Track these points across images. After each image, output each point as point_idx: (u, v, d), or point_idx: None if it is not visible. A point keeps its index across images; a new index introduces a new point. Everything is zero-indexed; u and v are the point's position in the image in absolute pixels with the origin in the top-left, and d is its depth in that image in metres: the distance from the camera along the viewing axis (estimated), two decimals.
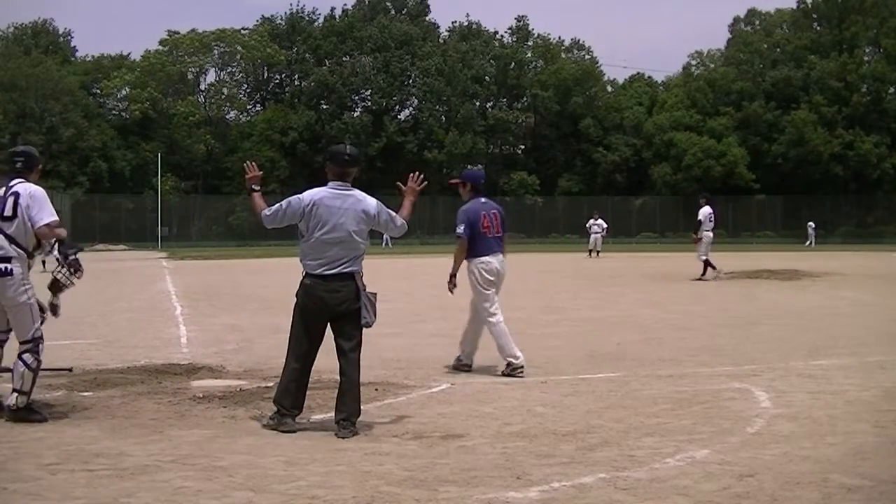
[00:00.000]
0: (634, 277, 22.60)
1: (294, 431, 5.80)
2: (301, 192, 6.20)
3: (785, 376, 7.78)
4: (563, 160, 71.04)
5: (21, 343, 6.15)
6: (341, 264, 6.00)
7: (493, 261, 8.24)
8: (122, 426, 5.98)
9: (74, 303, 8.32)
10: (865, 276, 22.48)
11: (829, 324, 12.09)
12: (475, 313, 8.38)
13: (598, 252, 36.41)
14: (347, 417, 5.83)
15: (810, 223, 55.99)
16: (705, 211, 21.33)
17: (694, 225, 21.77)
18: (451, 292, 8.24)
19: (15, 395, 6.06)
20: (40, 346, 6.20)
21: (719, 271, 20.86)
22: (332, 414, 5.99)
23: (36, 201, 6.18)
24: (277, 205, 6.14)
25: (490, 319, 8.18)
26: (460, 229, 8.22)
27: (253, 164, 6.61)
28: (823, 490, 4.46)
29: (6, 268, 6.09)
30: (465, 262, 8.28)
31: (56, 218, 6.27)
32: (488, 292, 8.20)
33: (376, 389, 7.26)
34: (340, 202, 6.05)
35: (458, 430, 5.87)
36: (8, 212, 6.13)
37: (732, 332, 11.13)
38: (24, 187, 6.22)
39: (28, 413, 6.08)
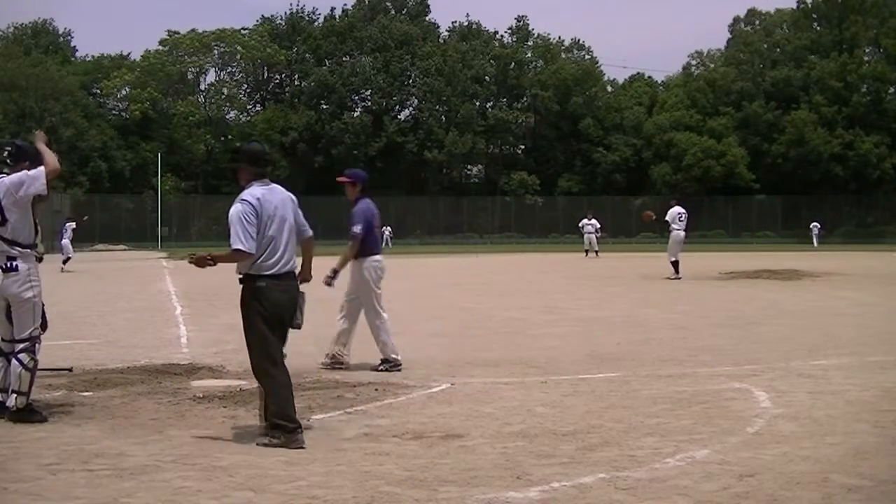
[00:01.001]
0: (634, 277, 22.59)
1: (304, 446, 5.44)
2: (277, 196, 5.97)
3: (785, 376, 7.77)
4: (563, 160, 71.06)
5: (18, 342, 6.14)
6: (290, 261, 5.86)
7: (382, 259, 8.55)
8: (122, 426, 5.97)
9: (74, 303, 8.32)
10: (866, 276, 22.47)
11: (829, 324, 12.08)
12: (352, 311, 8.47)
13: (596, 252, 36.25)
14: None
15: (815, 224, 55.87)
16: (673, 212, 21.51)
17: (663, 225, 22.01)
18: (331, 285, 8.25)
19: (14, 395, 6.05)
20: (37, 346, 6.19)
21: (676, 277, 20.74)
22: (331, 414, 5.97)
23: (15, 186, 6.05)
24: (243, 233, 5.61)
25: (382, 317, 8.37)
26: (357, 228, 8.35)
27: (193, 256, 6.04)
28: (823, 490, 4.46)
29: (12, 264, 6.10)
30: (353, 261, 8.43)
31: (42, 168, 6.10)
32: (380, 291, 8.44)
33: (376, 389, 7.26)
34: (274, 197, 5.89)
35: (458, 430, 5.87)
36: None
37: (732, 332, 11.12)
38: (7, 181, 6.12)
39: (28, 413, 6.07)
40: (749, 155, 65.33)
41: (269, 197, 5.82)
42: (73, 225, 28.51)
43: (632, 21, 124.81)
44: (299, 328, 5.92)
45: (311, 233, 6.23)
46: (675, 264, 20.91)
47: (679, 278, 20.62)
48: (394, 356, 8.32)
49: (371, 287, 8.39)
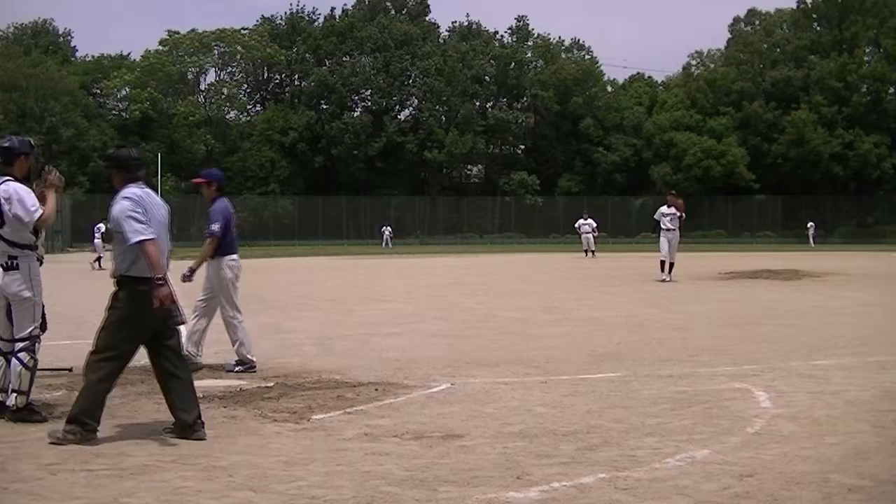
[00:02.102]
0: (634, 277, 22.59)
1: (96, 444, 5.44)
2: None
3: (785, 376, 7.77)
4: (563, 160, 71.06)
5: (17, 341, 6.14)
6: (166, 263, 5.82)
7: (239, 258, 8.62)
8: (122, 426, 5.98)
9: (75, 303, 8.32)
10: (866, 276, 22.47)
11: (829, 324, 12.08)
12: (208, 310, 8.48)
13: (592, 252, 36.17)
14: (199, 416, 5.73)
15: (811, 223, 56.07)
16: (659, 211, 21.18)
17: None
18: (188, 281, 8.26)
19: (14, 395, 6.05)
20: (36, 345, 6.19)
21: (666, 278, 20.39)
22: (331, 414, 5.97)
23: (16, 203, 6.03)
24: (137, 224, 5.61)
25: (239, 317, 8.41)
26: (215, 227, 8.39)
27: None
28: (823, 490, 4.46)
29: (12, 262, 6.11)
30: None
31: (40, 211, 6.09)
32: (237, 290, 8.51)
33: (376, 389, 7.26)
34: (152, 199, 5.88)
35: (458, 430, 5.86)
36: None
37: (732, 332, 11.12)
38: (3, 189, 6.10)
39: (28, 413, 6.07)
40: (749, 155, 65.32)
41: (147, 198, 5.83)
42: (103, 227, 29.53)
43: (632, 21, 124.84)
44: (183, 324, 5.97)
45: (170, 246, 6.11)
46: (663, 263, 20.65)
47: (665, 278, 20.30)
48: (249, 357, 8.26)
49: (229, 286, 8.44)
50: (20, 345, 6.12)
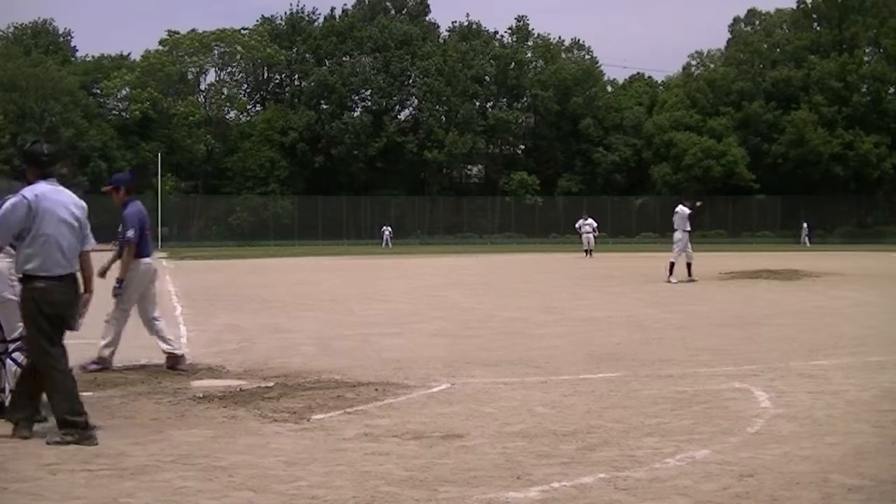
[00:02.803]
0: (634, 277, 22.59)
1: (97, 443, 5.43)
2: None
3: (785, 376, 7.77)
4: (563, 160, 71.06)
5: (10, 342, 6.15)
6: (71, 263, 5.76)
7: (153, 262, 8.66)
8: (122, 426, 5.98)
9: None
10: (865, 276, 22.47)
11: (829, 324, 12.09)
12: (121, 312, 8.48)
13: (590, 252, 36.17)
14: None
15: (804, 224, 56.46)
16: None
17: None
18: (119, 296, 8.34)
19: (11, 394, 6.05)
20: None
21: (673, 279, 20.23)
22: (331, 414, 5.97)
23: None
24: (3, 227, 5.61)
25: (125, 319, 8.45)
26: (131, 233, 8.41)
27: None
28: (823, 490, 4.46)
29: None
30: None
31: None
32: (150, 294, 8.61)
33: (376, 389, 7.25)
34: (59, 196, 5.81)
35: (458, 430, 5.86)
36: None
37: (732, 332, 11.13)
38: None
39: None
40: (749, 155, 65.31)
41: (51, 195, 5.75)
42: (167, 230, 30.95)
43: (632, 21, 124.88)
44: (76, 330, 5.91)
45: (90, 246, 6.01)
46: (673, 266, 20.50)
47: (671, 280, 20.16)
48: (107, 358, 8.19)
49: (138, 288, 8.49)
50: (13, 346, 6.13)
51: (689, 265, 20.63)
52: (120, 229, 8.57)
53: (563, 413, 6.39)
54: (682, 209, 20.88)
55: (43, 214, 5.64)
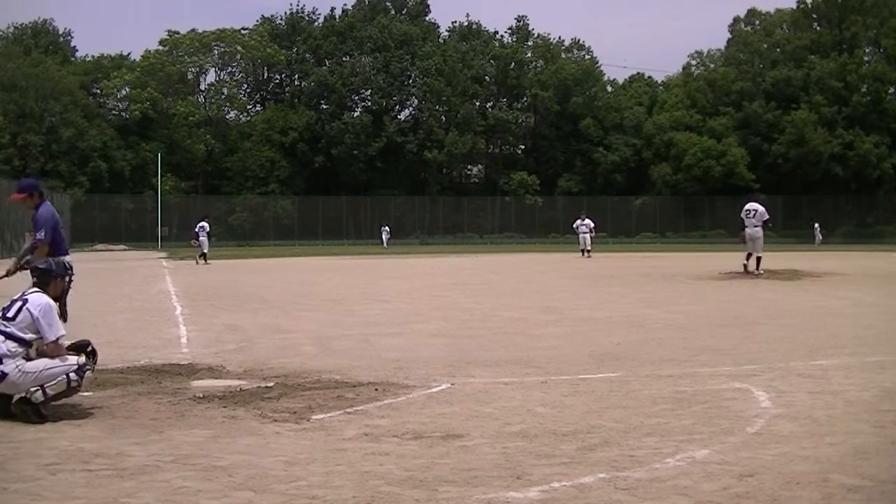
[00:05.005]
0: (634, 277, 22.58)
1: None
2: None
3: (785, 376, 7.77)
4: (563, 160, 71.10)
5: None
6: None
7: (70, 260, 8.57)
8: (122, 426, 5.97)
9: (74, 303, 8.31)
10: (865, 276, 22.46)
11: (829, 324, 12.07)
12: None
13: (588, 252, 36.17)
14: None
15: (816, 224, 56.36)
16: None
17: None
18: (10, 276, 8.48)
19: (39, 390, 6.09)
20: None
21: (745, 270, 21.30)
22: (331, 414, 5.97)
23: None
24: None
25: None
26: (41, 234, 8.54)
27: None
28: (823, 490, 4.46)
29: None
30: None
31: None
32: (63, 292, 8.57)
33: (376, 389, 7.25)
34: None
35: (458, 430, 5.86)
36: None
37: (732, 332, 11.11)
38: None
39: (34, 411, 6.08)
40: (749, 155, 65.35)
41: None
42: (207, 226, 33.84)
43: (632, 21, 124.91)
44: None
45: None
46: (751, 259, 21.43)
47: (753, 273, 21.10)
48: None
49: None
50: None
51: (758, 259, 21.87)
52: (34, 231, 8.72)
53: (563, 413, 6.38)
54: (761, 208, 22.44)
55: None
